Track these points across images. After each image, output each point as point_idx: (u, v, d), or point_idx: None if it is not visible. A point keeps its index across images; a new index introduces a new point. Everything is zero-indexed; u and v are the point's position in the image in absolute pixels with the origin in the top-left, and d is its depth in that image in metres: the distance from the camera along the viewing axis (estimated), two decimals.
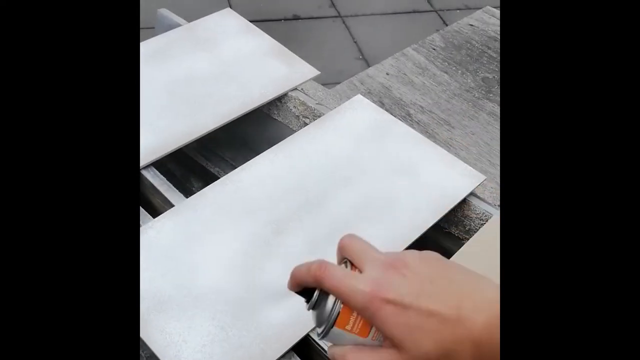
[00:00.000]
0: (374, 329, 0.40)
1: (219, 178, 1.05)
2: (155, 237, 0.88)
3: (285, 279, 0.84)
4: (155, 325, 0.78)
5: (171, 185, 0.96)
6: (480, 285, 0.40)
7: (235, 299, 0.82)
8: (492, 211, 0.99)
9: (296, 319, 0.80)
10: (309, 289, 0.42)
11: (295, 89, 1.14)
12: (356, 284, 0.39)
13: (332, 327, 0.40)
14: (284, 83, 1.13)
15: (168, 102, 1.07)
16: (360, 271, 0.41)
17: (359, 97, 1.13)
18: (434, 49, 1.60)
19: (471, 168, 1.04)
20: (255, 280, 0.84)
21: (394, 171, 1.00)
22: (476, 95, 1.47)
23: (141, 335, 0.77)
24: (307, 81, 1.16)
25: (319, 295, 0.41)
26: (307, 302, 0.43)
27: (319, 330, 0.42)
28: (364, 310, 0.39)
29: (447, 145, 1.33)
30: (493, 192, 1.12)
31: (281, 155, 1.01)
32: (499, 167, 1.31)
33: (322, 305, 0.41)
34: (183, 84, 1.11)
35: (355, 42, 2.87)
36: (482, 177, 1.02)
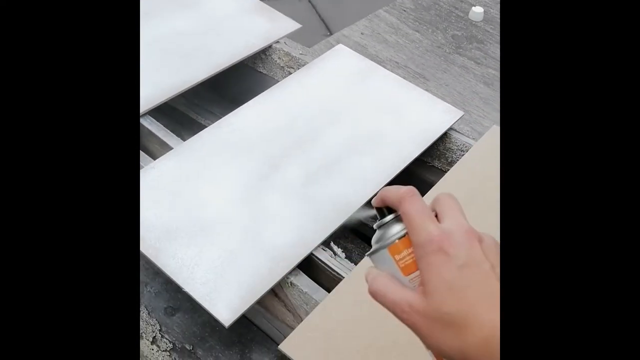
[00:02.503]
0: (415, 274, 0.40)
1: None
2: (158, 176, 0.92)
3: (285, 207, 0.89)
4: (166, 252, 0.82)
5: (168, 131, 1.00)
6: None
7: (240, 226, 0.87)
8: (472, 143, 1.05)
9: (300, 240, 0.86)
10: (388, 210, 0.42)
11: (278, 41, 1.18)
12: (428, 223, 0.39)
13: (385, 248, 0.41)
14: (267, 36, 1.18)
15: (158, 57, 1.11)
16: (440, 222, 0.41)
17: (341, 46, 1.19)
18: (404, 11, 1.67)
19: (450, 105, 1.10)
20: (257, 209, 0.89)
21: (378, 110, 1.06)
22: (447, 51, 1.54)
23: (154, 260, 0.82)
24: (286, 35, 1.21)
25: (393, 218, 0.42)
26: (380, 219, 0.43)
27: (373, 247, 0.42)
28: (420, 247, 0.39)
29: None
30: (469, 135, 1.19)
31: (271, 100, 1.06)
32: (472, 113, 1.39)
33: (389, 227, 0.41)
34: (171, 40, 1.15)
35: (322, 19, 2.92)
36: (460, 113, 1.09)
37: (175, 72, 1.08)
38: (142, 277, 0.94)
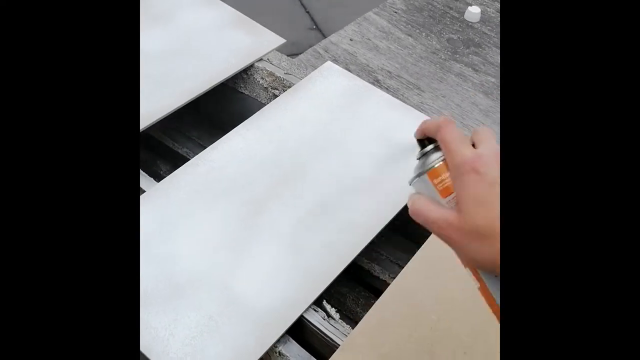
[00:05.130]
0: (452, 196, 0.43)
1: (187, 159, 0.99)
2: None
3: (271, 260, 0.80)
4: None
5: (140, 170, 0.90)
6: None
7: (220, 285, 0.77)
8: None
9: (288, 300, 0.76)
10: (428, 142, 0.46)
11: (261, 59, 1.08)
12: (463, 148, 0.43)
13: (425, 173, 0.44)
14: (248, 54, 1.07)
15: None
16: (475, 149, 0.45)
17: (329, 63, 1.08)
18: (395, 12, 1.56)
19: None
20: (238, 264, 0.79)
21: (373, 139, 0.96)
22: (442, 57, 1.44)
23: None
24: (271, 51, 1.10)
25: (432, 148, 0.45)
26: (421, 150, 0.46)
27: (414, 174, 0.46)
28: (455, 168, 0.43)
29: (418, 109, 1.30)
30: None
31: (254, 130, 0.96)
32: (470, 129, 1.29)
33: (429, 156, 0.45)
34: (141, 61, 1.03)
35: (307, 12, 2.80)
36: None
37: (146, 99, 0.97)
38: None
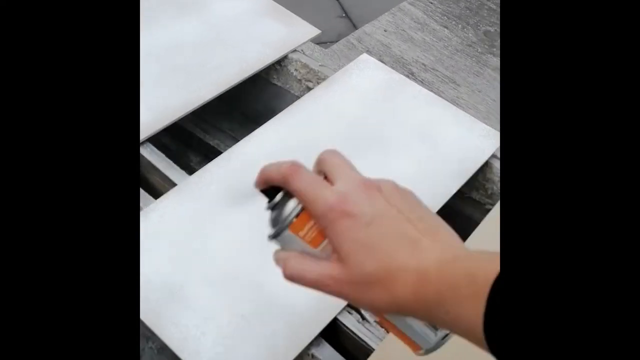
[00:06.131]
0: (325, 242, 0.38)
1: (218, 151, 0.98)
2: (159, 220, 0.80)
3: None
4: (168, 317, 0.71)
5: (171, 162, 0.88)
6: (442, 227, 0.39)
7: (254, 283, 0.75)
8: None
9: (322, 301, 0.74)
10: (274, 189, 0.40)
11: (295, 50, 1.05)
12: (322, 192, 0.37)
13: (286, 228, 0.38)
14: (283, 45, 1.05)
15: (158, 72, 0.98)
16: (332, 184, 0.39)
17: (365, 56, 1.05)
18: (431, 3, 1.51)
19: (490, 128, 0.97)
20: (272, 262, 0.77)
21: (410, 136, 0.93)
22: (479, 50, 1.40)
23: (154, 329, 0.71)
24: (306, 42, 1.07)
25: (282, 197, 0.39)
26: (269, 201, 0.40)
27: (272, 230, 0.39)
28: (322, 217, 0.37)
29: (454, 104, 1.26)
30: None
31: (288, 123, 0.93)
32: None
33: (282, 206, 0.39)
34: (173, 51, 1.02)
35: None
36: None
37: (177, 91, 0.95)
38: (142, 329, 0.83)
